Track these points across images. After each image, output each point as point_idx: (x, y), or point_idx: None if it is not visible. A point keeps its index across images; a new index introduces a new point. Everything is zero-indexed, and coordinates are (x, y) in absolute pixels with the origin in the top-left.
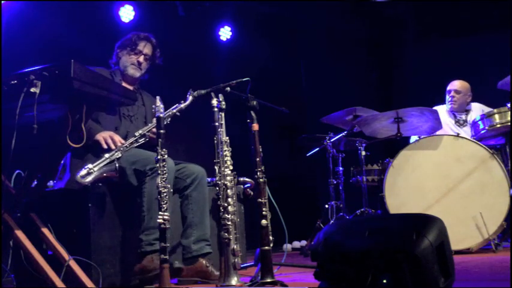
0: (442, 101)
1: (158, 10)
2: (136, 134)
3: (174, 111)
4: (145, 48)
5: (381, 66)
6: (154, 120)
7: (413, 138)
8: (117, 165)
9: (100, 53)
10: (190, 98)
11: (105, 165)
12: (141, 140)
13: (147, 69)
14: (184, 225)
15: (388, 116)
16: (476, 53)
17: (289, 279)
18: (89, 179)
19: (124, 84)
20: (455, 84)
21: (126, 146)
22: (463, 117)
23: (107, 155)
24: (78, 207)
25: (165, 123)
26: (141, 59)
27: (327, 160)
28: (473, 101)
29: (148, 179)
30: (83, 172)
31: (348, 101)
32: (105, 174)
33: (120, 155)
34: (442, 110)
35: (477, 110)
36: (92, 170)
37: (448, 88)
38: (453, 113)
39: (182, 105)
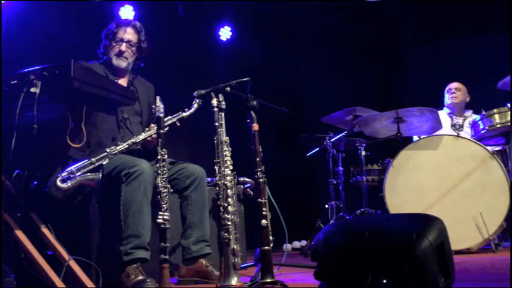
0: (440, 105)
1: (158, 10)
2: (130, 142)
3: (175, 119)
4: (126, 34)
5: (381, 66)
6: (146, 131)
7: (416, 139)
8: (100, 175)
9: None
10: (194, 107)
11: (89, 171)
12: (132, 147)
13: (136, 56)
14: (184, 226)
15: (388, 116)
16: (476, 53)
17: (289, 279)
18: (68, 184)
19: (117, 77)
20: (455, 84)
21: (114, 154)
22: (460, 121)
23: (93, 159)
24: (78, 207)
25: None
26: (123, 47)
27: (327, 160)
28: (473, 105)
29: (123, 186)
30: (64, 174)
31: (348, 101)
32: (85, 183)
33: (106, 161)
34: (440, 113)
35: None
36: (73, 175)
37: (448, 87)
38: (451, 115)
39: (184, 114)
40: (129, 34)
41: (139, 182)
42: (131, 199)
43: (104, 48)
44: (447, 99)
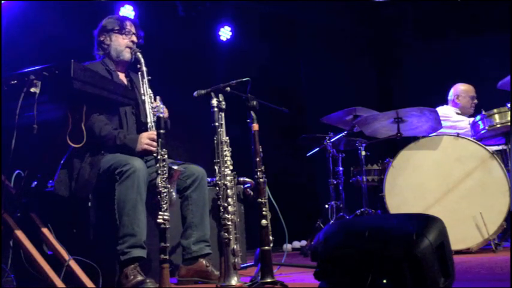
0: (443, 102)
1: (158, 10)
2: (149, 124)
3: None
4: (132, 28)
5: (381, 66)
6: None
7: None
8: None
9: None
10: (138, 56)
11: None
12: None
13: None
14: (184, 226)
15: (388, 116)
16: (476, 53)
17: (289, 279)
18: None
19: (118, 72)
20: (474, 91)
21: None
22: None
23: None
24: (78, 207)
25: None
26: (134, 38)
27: (327, 160)
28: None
29: (117, 185)
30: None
31: (348, 101)
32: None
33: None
34: (451, 110)
35: None
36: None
37: (472, 94)
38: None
39: (140, 56)
40: (133, 28)
41: (132, 181)
42: (125, 198)
43: (103, 46)
44: (470, 105)
